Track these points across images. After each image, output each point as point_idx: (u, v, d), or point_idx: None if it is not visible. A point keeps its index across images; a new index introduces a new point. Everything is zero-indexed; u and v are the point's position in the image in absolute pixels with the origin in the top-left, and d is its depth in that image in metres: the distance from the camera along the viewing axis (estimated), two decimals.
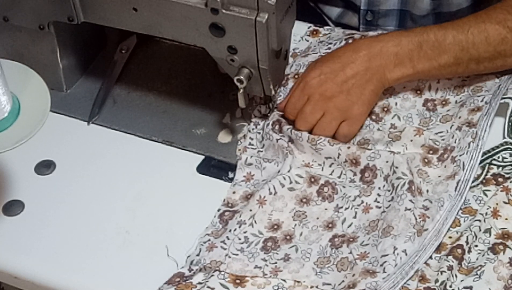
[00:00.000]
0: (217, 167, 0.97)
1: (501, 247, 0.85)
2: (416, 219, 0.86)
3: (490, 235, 0.86)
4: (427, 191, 0.90)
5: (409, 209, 0.86)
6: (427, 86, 1.00)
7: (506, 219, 0.88)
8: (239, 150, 0.98)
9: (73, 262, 0.88)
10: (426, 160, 0.93)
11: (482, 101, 0.97)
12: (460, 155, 0.92)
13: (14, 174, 0.96)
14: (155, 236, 0.90)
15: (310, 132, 0.95)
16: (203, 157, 0.98)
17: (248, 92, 0.95)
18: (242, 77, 0.90)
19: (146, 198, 0.94)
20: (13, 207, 0.93)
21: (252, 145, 0.98)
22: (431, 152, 0.94)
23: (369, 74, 0.94)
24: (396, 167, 0.90)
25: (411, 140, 0.95)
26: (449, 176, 0.90)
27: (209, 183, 0.95)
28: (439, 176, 0.91)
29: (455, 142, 0.94)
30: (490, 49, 0.95)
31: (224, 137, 1.01)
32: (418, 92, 1.00)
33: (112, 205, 0.93)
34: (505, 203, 0.89)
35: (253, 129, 0.99)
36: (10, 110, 0.97)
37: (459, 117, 0.97)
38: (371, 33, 1.06)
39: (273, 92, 0.95)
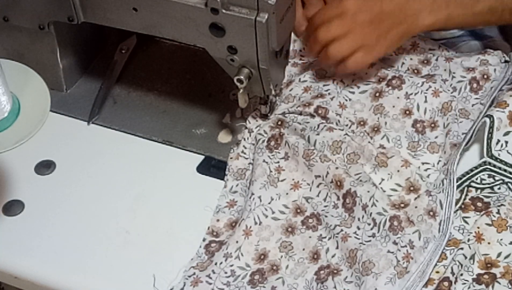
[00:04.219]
0: (217, 167, 0.97)
1: (486, 276, 0.82)
2: (398, 260, 0.84)
3: (473, 262, 0.83)
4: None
5: (392, 252, 0.84)
6: (415, 105, 0.99)
7: (489, 243, 0.85)
8: (231, 158, 0.97)
9: (73, 262, 0.88)
10: (402, 204, 0.90)
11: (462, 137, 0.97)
12: (438, 193, 0.90)
13: (14, 174, 0.96)
14: (155, 236, 0.90)
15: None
16: (203, 157, 0.98)
17: (248, 92, 0.95)
18: (242, 77, 0.90)
19: (146, 198, 0.94)
20: (13, 207, 0.93)
21: (245, 153, 0.97)
22: (412, 188, 0.92)
23: (402, 15, 0.96)
24: (376, 201, 0.88)
25: (398, 171, 0.93)
26: (427, 211, 0.88)
27: (209, 183, 0.95)
28: (416, 207, 0.89)
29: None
30: None
31: (224, 137, 1.01)
32: (407, 112, 0.99)
33: (112, 205, 0.93)
34: (488, 225, 0.86)
35: (247, 138, 0.99)
36: (10, 110, 0.97)
37: (445, 152, 0.95)
38: None
39: (273, 92, 0.95)
